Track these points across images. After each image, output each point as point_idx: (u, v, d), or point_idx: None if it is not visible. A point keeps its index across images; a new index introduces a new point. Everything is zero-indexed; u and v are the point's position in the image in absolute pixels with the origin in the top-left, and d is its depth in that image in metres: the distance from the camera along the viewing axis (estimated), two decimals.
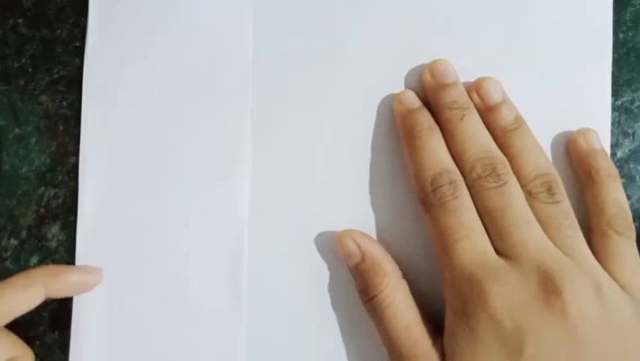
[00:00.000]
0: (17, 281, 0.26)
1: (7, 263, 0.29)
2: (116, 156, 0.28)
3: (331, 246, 0.27)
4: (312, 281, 0.27)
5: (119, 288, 0.28)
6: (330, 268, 0.28)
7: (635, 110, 0.28)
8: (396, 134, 0.27)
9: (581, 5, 0.28)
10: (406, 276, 0.26)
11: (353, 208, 0.28)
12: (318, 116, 0.28)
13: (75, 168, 0.29)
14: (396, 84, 0.28)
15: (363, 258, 0.26)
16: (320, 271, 0.28)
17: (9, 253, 0.29)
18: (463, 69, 0.27)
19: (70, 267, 0.28)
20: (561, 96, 0.27)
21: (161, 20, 0.29)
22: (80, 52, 0.29)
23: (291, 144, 0.28)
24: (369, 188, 0.28)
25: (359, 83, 0.28)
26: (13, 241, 0.29)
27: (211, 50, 0.28)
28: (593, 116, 0.27)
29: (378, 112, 0.28)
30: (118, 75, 0.29)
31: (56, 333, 0.28)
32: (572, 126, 0.27)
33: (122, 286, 0.28)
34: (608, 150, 0.27)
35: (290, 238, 0.28)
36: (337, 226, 0.27)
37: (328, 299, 0.27)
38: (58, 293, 0.27)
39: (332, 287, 0.28)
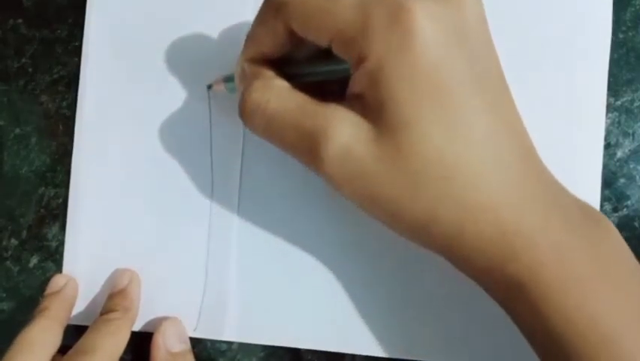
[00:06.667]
0: (40, 323, 0.25)
1: (8, 263, 0.29)
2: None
3: None
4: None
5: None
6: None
7: (635, 110, 0.28)
8: None
9: (581, 5, 0.28)
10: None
11: None
12: None
13: None
14: None
15: None
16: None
17: (9, 253, 0.29)
18: None
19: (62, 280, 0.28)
20: (558, 95, 0.27)
21: (161, 20, 0.29)
22: (80, 52, 0.29)
23: None
24: None
25: None
26: (13, 241, 0.29)
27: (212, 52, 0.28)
28: (588, 115, 0.27)
29: None
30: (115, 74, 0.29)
31: None
32: (568, 124, 0.27)
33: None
34: (606, 150, 0.27)
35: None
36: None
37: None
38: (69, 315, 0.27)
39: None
